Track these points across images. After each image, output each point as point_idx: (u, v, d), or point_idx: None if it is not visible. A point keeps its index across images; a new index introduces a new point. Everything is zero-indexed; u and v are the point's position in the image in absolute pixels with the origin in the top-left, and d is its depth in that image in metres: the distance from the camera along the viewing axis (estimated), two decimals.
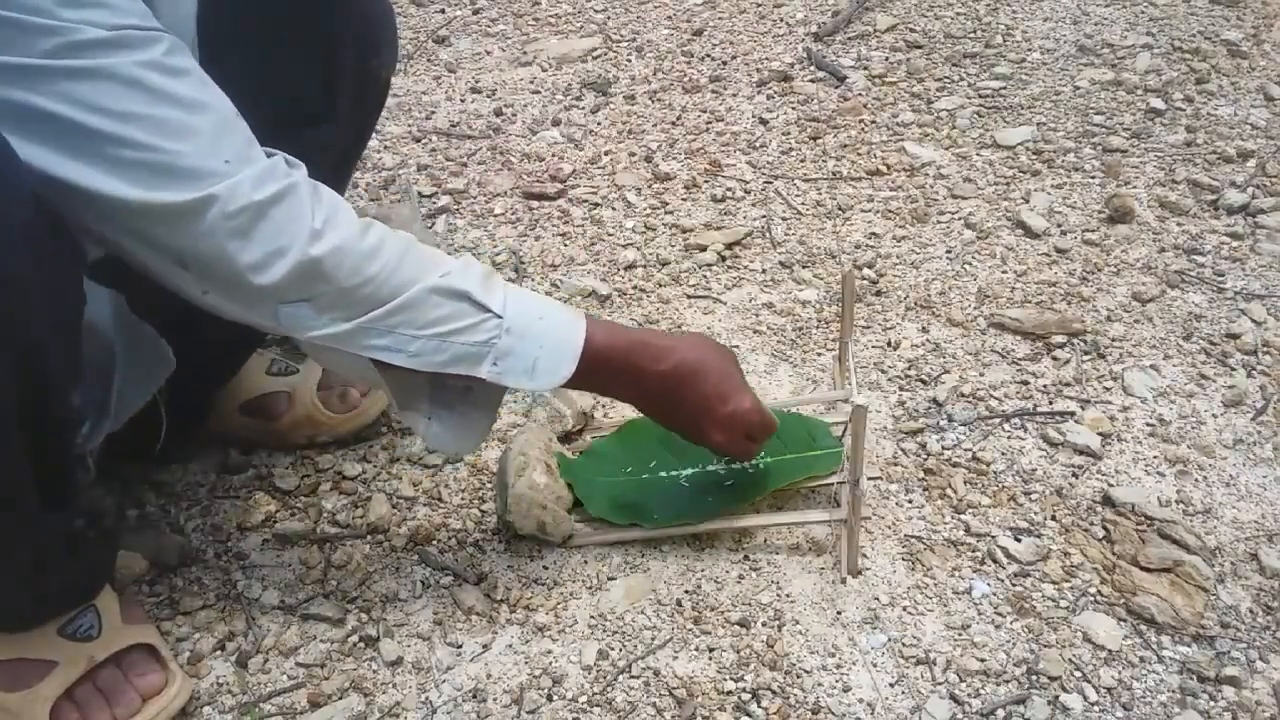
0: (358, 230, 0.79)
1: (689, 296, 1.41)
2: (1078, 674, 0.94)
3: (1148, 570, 1.02)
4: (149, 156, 0.70)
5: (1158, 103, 1.84)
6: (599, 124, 1.83)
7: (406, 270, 0.81)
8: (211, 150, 0.73)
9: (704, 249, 1.50)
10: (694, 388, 0.93)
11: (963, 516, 1.09)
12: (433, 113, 1.87)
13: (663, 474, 1.08)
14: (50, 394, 0.74)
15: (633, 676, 0.93)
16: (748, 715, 0.90)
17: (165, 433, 1.02)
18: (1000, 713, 0.90)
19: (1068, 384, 1.26)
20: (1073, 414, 1.21)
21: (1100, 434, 1.18)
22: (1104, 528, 1.08)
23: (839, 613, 0.99)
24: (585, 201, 1.61)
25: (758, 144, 1.76)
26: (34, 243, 0.68)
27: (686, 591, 1.01)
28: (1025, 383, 1.26)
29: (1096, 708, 0.91)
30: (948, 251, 1.50)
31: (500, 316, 0.83)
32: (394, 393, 0.87)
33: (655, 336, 0.95)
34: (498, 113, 1.86)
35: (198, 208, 0.72)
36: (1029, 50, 2.04)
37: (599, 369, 0.88)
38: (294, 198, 0.76)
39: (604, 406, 1.23)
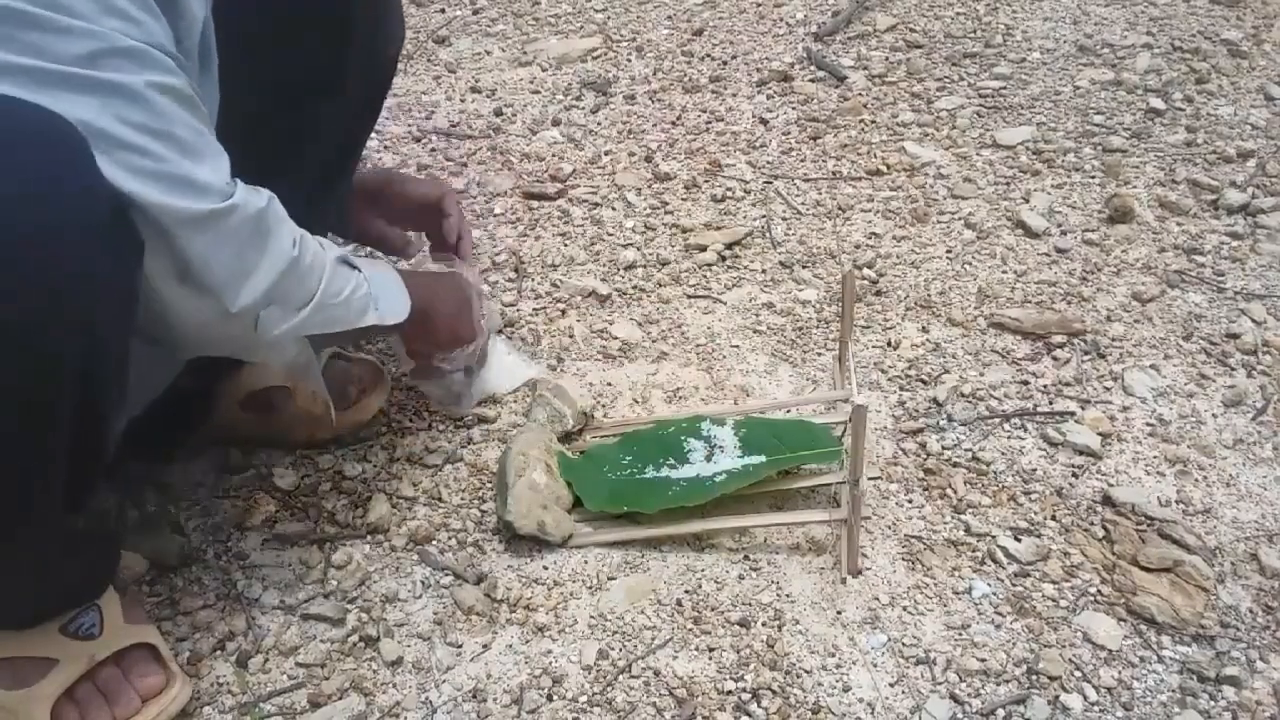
0: (299, 229, 0.87)
1: (689, 296, 1.41)
2: (1078, 674, 0.94)
3: (1148, 570, 1.02)
4: (167, 168, 0.73)
5: (1158, 103, 1.84)
6: (599, 124, 1.83)
7: (319, 254, 0.89)
8: (215, 170, 0.78)
9: (704, 249, 1.50)
10: (444, 283, 1.13)
11: (963, 516, 1.09)
12: (433, 113, 1.87)
13: (663, 474, 1.09)
14: (103, 396, 0.75)
15: (633, 676, 0.93)
16: (748, 715, 0.90)
17: (163, 430, 1.03)
18: (1000, 713, 0.90)
19: (1068, 384, 1.26)
20: (1073, 414, 1.21)
21: (1100, 434, 1.18)
22: (1104, 528, 1.08)
23: (839, 613, 0.99)
24: (585, 201, 1.61)
25: (758, 144, 1.76)
26: (107, 243, 0.70)
27: (686, 591, 1.01)
28: (1025, 383, 1.26)
29: (1096, 708, 0.91)
30: (948, 251, 1.50)
31: (360, 270, 0.94)
32: (316, 351, 0.96)
33: (422, 274, 1.16)
34: (498, 113, 1.86)
35: (219, 216, 0.77)
36: (1029, 50, 2.04)
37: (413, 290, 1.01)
38: (276, 206, 0.83)
39: (604, 406, 1.23)
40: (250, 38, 0.89)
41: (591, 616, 0.99)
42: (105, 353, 0.73)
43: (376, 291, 0.95)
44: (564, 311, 1.39)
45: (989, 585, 1.02)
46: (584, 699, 0.91)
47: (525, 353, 1.31)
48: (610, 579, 1.02)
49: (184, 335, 0.82)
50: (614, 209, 1.60)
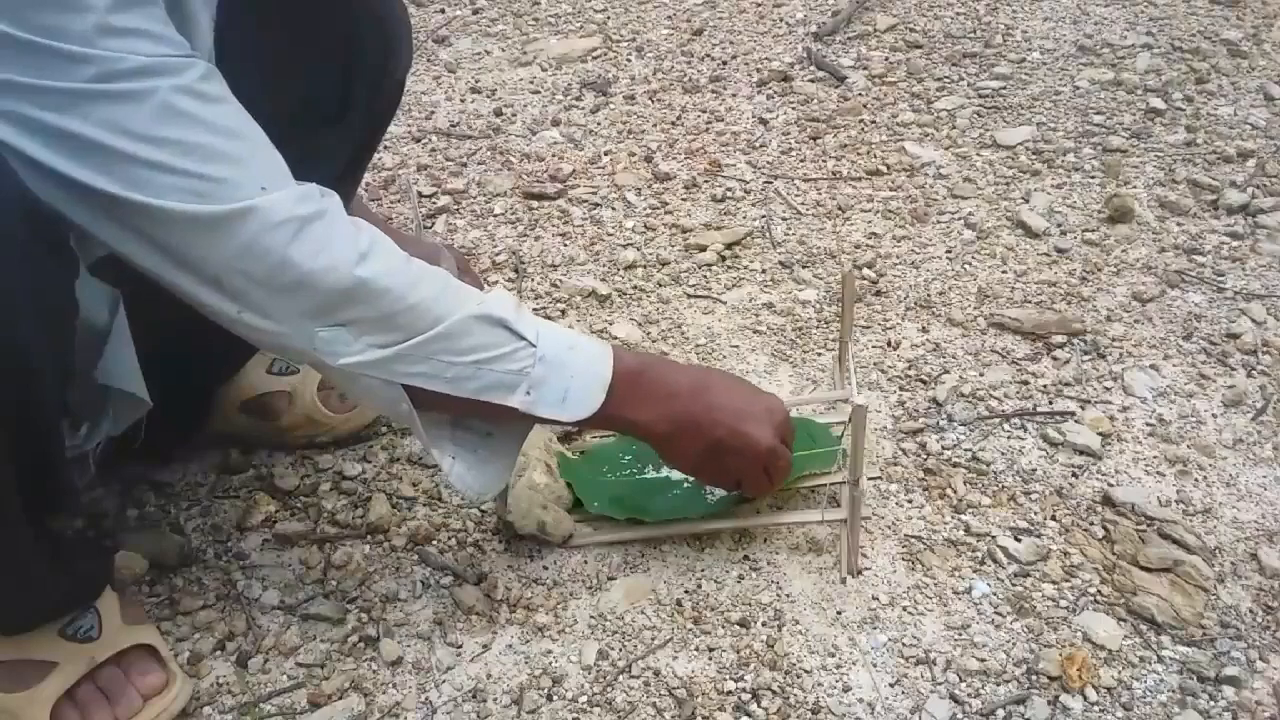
0: (401, 258, 0.81)
1: (689, 296, 1.41)
2: (1078, 674, 0.94)
3: (1148, 570, 1.02)
4: (185, 182, 0.71)
5: (1158, 103, 1.84)
6: (599, 124, 1.83)
7: (447, 299, 0.81)
8: (248, 175, 0.74)
9: (704, 249, 1.50)
10: (722, 388, 0.95)
11: (963, 516, 1.09)
12: (433, 113, 1.87)
13: (663, 474, 1.08)
14: (35, 399, 0.74)
15: (633, 676, 0.93)
16: (748, 715, 0.90)
17: (159, 432, 1.02)
18: (1000, 713, 0.90)
19: (1068, 384, 1.26)
20: (1073, 414, 1.21)
21: (1100, 434, 1.18)
22: (1104, 528, 1.08)
23: (839, 613, 0.99)
24: (585, 201, 1.61)
25: (758, 144, 1.76)
26: (18, 249, 0.68)
27: (686, 591, 1.01)
28: (1025, 383, 1.26)
29: (1096, 708, 0.91)
30: (948, 251, 1.50)
31: (534, 345, 0.84)
32: (424, 424, 0.86)
33: (669, 359, 0.97)
34: (498, 113, 1.86)
35: (236, 218, 0.73)
36: (1029, 50, 2.04)
37: (628, 393, 0.88)
38: (334, 218, 0.77)
39: None
40: (252, 62, 0.88)
41: (591, 616, 0.99)
42: (27, 357, 0.71)
43: (548, 375, 0.84)
44: (564, 311, 1.39)
45: (989, 585, 1.02)
46: (584, 699, 0.91)
47: None
48: (610, 579, 1.02)
49: (251, 340, 0.80)
50: (614, 209, 1.60)
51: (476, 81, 1.96)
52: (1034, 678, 0.93)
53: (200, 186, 0.71)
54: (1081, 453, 1.16)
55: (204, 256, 0.74)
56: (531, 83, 1.96)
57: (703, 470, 0.98)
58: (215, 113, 0.73)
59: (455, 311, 0.81)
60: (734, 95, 1.91)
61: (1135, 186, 1.63)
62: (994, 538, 1.06)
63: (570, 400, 0.86)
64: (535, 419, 0.88)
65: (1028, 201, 1.59)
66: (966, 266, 1.46)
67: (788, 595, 1.00)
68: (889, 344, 1.33)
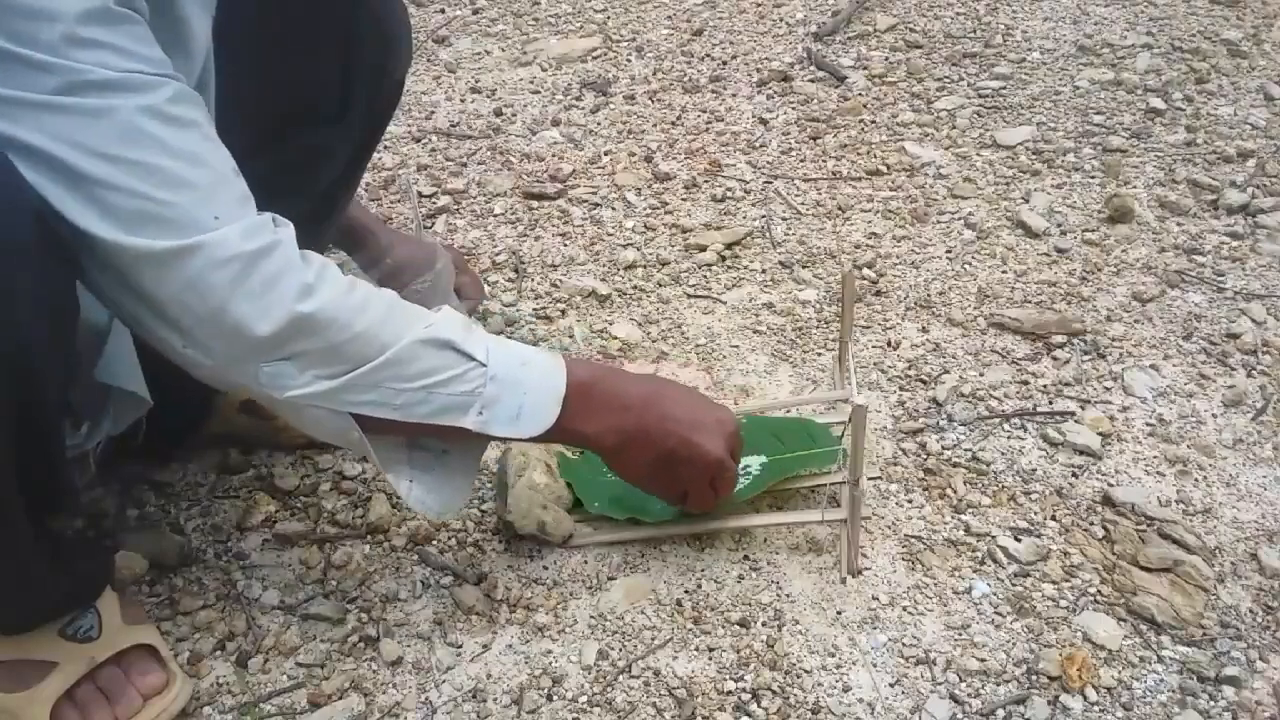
0: (345, 286, 0.79)
1: (689, 296, 1.41)
2: (1078, 674, 0.94)
3: (1148, 570, 1.02)
4: (138, 204, 0.70)
5: (1158, 103, 1.84)
6: (599, 124, 1.83)
7: (392, 325, 0.80)
8: (202, 204, 0.72)
9: (704, 249, 1.50)
10: (674, 399, 0.95)
11: (963, 516, 1.09)
12: (433, 113, 1.87)
13: None
14: (36, 399, 0.74)
15: (633, 676, 0.93)
16: (748, 715, 0.90)
17: (159, 432, 1.02)
18: (1000, 713, 0.90)
19: (1068, 384, 1.26)
20: (1073, 414, 1.21)
21: (1100, 434, 1.18)
22: (1104, 528, 1.08)
23: (839, 613, 0.99)
24: (585, 201, 1.61)
25: (758, 144, 1.76)
26: (19, 249, 0.68)
27: (686, 591, 1.01)
28: (1025, 383, 1.26)
29: (1096, 708, 0.91)
30: (948, 251, 1.50)
31: (485, 365, 0.83)
32: (377, 451, 0.85)
33: (623, 369, 0.97)
34: (498, 113, 1.86)
35: (182, 254, 0.71)
36: (1029, 50, 2.04)
37: (581, 406, 0.88)
38: (283, 251, 0.75)
39: None
40: (251, 62, 0.87)
41: (591, 616, 0.99)
42: (30, 359, 0.71)
43: (501, 393, 0.83)
44: (564, 311, 1.39)
45: (989, 585, 1.02)
46: (584, 699, 0.91)
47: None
48: (610, 579, 1.02)
49: (194, 374, 0.79)
50: (614, 209, 1.60)
51: (476, 81, 1.96)
52: (1034, 678, 0.93)
53: (151, 209, 0.70)
54: (1081, 453, 1.16)
55: (150, 289, 0.73)
56: (531, 83, 1.96)
57: (651, 480, 0.98)
58: (178, 136, 0.72)
59: (402, 337, 0.79)
60: (734, 95, 1.91)
61: (1135, 186, 1.63)
62: (994, 538, 1.06)
63: (524, 417, 0.85)
64: (490, 438, 0.87)
65: (1028, 201, 1.59)
66: (966, 266, 1.46)
67: (788, 595, 1.00)
68: (889, 344, 1.33)
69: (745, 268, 1.47)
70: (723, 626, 0.97)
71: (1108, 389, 1.26)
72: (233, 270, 0.72)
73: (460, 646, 0.96)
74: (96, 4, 0.68)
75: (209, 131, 0.75)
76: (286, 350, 0.76)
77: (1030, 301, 1.40)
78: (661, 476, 0.96)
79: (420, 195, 1.62)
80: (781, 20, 2.18)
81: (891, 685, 0.93)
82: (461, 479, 0.91)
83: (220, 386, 0.81)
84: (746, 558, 1.04)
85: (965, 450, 1.17)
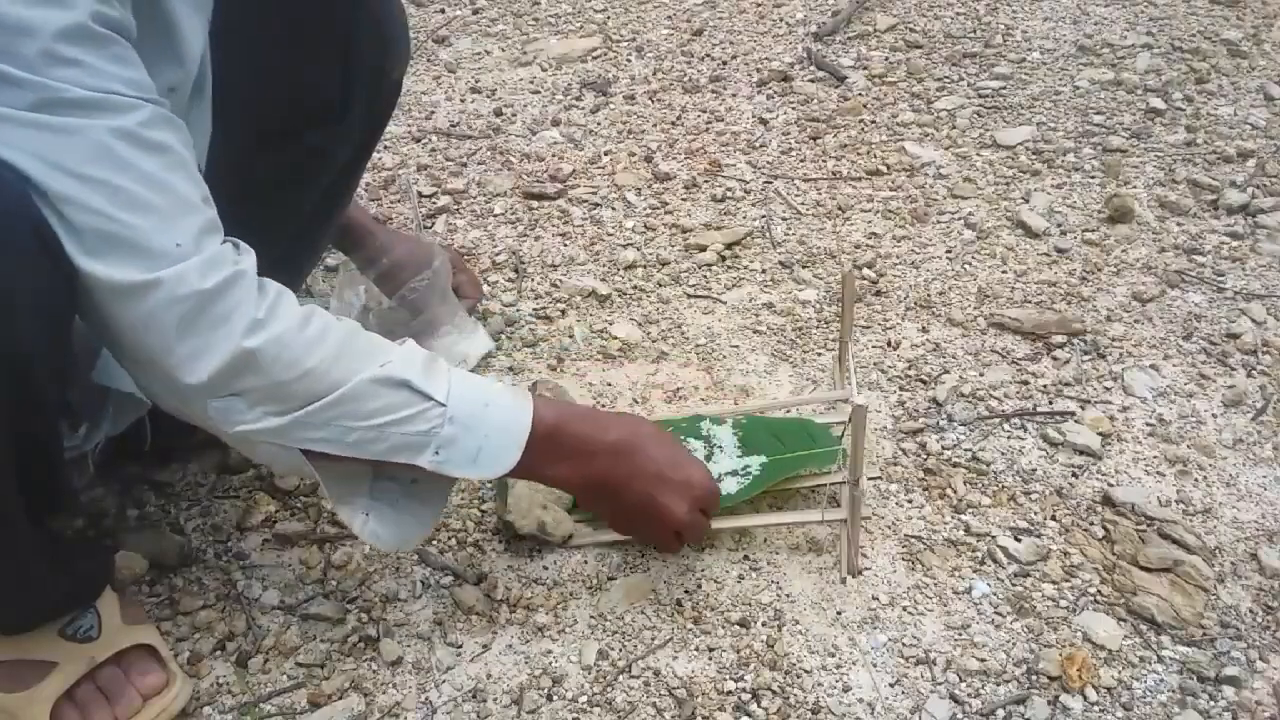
0: (298, 321, 0.77)
1: (689, 296, 1.41)
2: (1078, 674, 0.94)
3: (1148, 570, 1.02)
4: (100, 223, 0.70)
5: (1158, 103, 1.84)
6: (599, 124, 1.83)
7: (346, 362, 0.78)
8: (163, 229, 0.71)
9: (704, 249, 1.50)
10: (645, 452, 0.92)
11: (963, 516, 1.09)
12: (433, 113, 1.87)
13: None
14: (34, 400, 0.74)
15: (633, 676, 0.93)
16: (748, 715, 0.90)
17: (156, 432, 1.02)
18: (1000, 713, 0.90)
19: (1068, 384, 1.26)
20: (1073, 414, 1.21)
21: (1100, 434, 1.18)
22: (1104, 528, 1.08)
23: (839, 613, 0.99)
24: (585, 201, 1.61)
25: (758, 144, 1.76)
26: (17, 251, 0.68)
27: (686, 591, 1.01)
28: (1025, 383, 1.26)
29: (1096, 708, 0.91)
30: (948, 251, 1.50)
31: (444, 405, 0.81)
32: (329, 485, 0.83)
33: (597, 411, 0.97)
34: (498, 113, 1.86)
35: (140, 290, 0.71)
36: (1029, 50, 2.04)
37: (546, 449, 0.86)
38: (239, 287, 0.74)
39: (604, 407, 1.23)
40: (250, 63, 0.87)
41: (591, 616, 0.99)
42: (28, 361, 0.71)
43: (459, 434, 0.82)
44: (564, 311, 1.39)
45: (989, 585, 1.01)
46: (584, 699, 0.91)
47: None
48: (610, 579, 1.02)
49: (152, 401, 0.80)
50: (614, 209, 1.60)
51: (476, 81, 1.96)
52: (1034, 678, 0.93)
53: (113, 230, 0.70)
54: (1081, 453, 1.16)
55: (105, 319, 0.73)
56: (531, 83, 1.96)
57: (615, 525, 1.00)
58: (147, 160, 0.72)
59: (355, 375, 0.78)
60: (734, 95, 1.91)
61: (1135, 186, 1.63)
62: (994, 538, 1.06)
63: (483, 459, 0.83)
64: (447, 478, 0.86)
65: (1028, 201, 1.59)
66: (966, 266, 1.46)
67: (788, 595, 1.00)
68: (889, 344, 1.33)
69: (745, 268, 1.47)
70: (723, 626, 0.97)
71: (1108, 389, 1.25)
72: (185, 308, 0.72)
73: (460, 646, 0.96)
74: (75, 22, 0.68)
75: (183, 157, 0.75)
76: (232, 387, 0.75)
77: (1030, 301, 1.40)
78: (623, 525, 0.99)
79: (420, 195, 1.62)
80: (781, 20, 2.18)
81: (891, 685, 0.93)
82: (426, 511, 0.90)
83: (179, 417, 0.81)
84: (746, 558, 1.04)
85: (965, 450, 1.17)
